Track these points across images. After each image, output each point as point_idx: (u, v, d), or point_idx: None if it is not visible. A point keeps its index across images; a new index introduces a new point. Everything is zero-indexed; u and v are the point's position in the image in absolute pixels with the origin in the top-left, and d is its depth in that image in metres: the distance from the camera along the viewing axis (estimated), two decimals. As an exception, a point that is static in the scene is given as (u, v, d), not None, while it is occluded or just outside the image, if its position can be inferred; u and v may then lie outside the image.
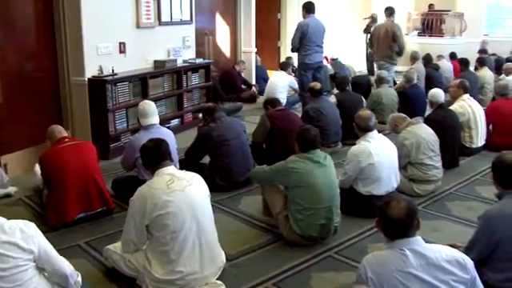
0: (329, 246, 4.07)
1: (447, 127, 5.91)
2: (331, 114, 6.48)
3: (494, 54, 12.77)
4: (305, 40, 7.60)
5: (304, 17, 7.79)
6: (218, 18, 9.81)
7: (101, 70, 6.22)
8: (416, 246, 2.45)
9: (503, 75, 9.36)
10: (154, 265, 3.27)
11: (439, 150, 5.32)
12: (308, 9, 7.77)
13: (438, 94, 6.31)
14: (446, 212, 4.84)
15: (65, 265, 2.83)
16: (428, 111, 7.03)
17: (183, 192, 3.28)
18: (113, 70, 6.30)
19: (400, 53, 8.76)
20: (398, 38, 8.57)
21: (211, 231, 3.45)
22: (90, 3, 6.01)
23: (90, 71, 6.14)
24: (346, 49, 13.63)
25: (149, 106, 4.92)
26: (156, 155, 3.44)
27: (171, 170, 3.41)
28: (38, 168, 4.74)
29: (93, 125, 6.17)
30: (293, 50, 7.97)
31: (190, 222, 3.26)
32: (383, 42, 8.63)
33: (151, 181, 3.37)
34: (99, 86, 6.08)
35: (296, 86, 8.91)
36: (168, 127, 6.33)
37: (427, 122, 5.69)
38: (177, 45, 7.73)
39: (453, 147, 6.00)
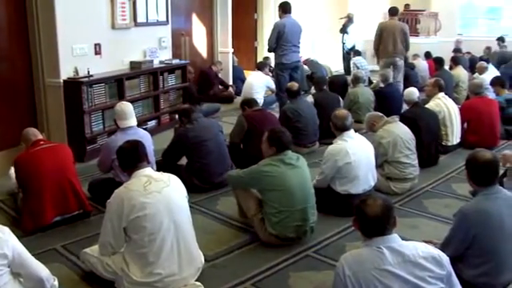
0: (307, 246, 4.08)
1: (422, 124, 5.97)
2: (309, 114, 6.50)
3: (468, 53, 12.96)
4: (281, 40, 7.62)
5: (280, 17, 7.80)
6: (195, 19, 9.78)
7: (76, 71, 6.14)
8: (393, 243, 2.48)
9: (476, 74, 9.50)
10: (132, 267, 3.24)
11: (415, 148, 5.38)
12: (284, 9, 7.78)
13: (411, 92, 6.40)
14: (422, 209, 4.88)
15: (40, 269, 2.80)
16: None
17: (160, 193, 3.26)
18: (88, 72, 6.23)
19: (407, 48, 9.07)
20: (407, 34, 8.91)
21: (189, 232, 3.44)
22: (64, 4, 5.93)
23: (65, 73, 6.07)
24: (322, 49, 13.71)
25: (126, 107, 4.87)
26: (132, 157, 3.41)
27: (148, 172, 3.38)
28: (12, 171, 4.66)
29: (68, 127, 6.10)
30: (269, 50, 7.98)
31: (168, 223, 3.25)
32: (399, 39, 8.78)
33: (128, 182, 3.34)
34: (75, 87, 6.01)
35: (273, 86, 8.92)
36: (145, 128, 6.29)
37: (402, 118, 5.75)
38: (153, 46, 7.68)
39: (429, 145, 6.05)
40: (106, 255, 3.39)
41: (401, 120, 5.56)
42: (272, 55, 8.54)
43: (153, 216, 3.18)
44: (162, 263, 3.23)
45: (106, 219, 3.31)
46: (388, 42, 8.87)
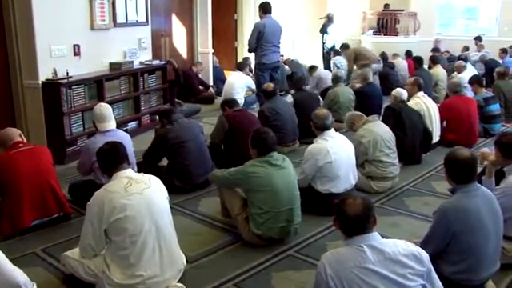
0: (289, 246, 4.09)
1: (405, 115, 6.07)
2: (287, 113, 6.52)
3: (447, 52, 13.12)
4: (262, 40, 7.63)
5: (261, 17, 7.81)
6: (175, 19, 9.75)
7: (55, 72, 6.09)
8: (373, 241, 2.49)
9: (455, 73, 9.61)
10: (113, 270, 3.21)
11: (398, 143, 5.44)
12: (265, 9, 7.79)
13: (402, 92, 6.45)
14: (403, 208, 4.92)
15: (17, 274, 2.75)
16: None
17: (141, 195, 3.24)
18: (67, 73, 6.18)
19: None
20: None
21: (170, 234, 3.42)
22: (42, 4, 5.87)
23: (44, 74, 6.01)
24: (302, 48, 13.76)
25: (105, 110, 4.80)
26: (113, 158, 3.39)
27: (129, 173, 3.36)
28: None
29: (48, 129, 6.04)
30: (250, 51, 7.98)
31: (149, 225, 3.23)
32: None
33: (108, 184, 3.32)
34: (53, 89, 5.95)
35: (253, 86, 8.94)
36: (125, 130, 6.25)
37: (387, 109, 5.94)
38: (133, 46, 7.64)
39: (413, 139, 6.10)
40: (86, 258, 3.36)
41: (386, 111, 5.63)
42: (252, 55, 8.54)
43: (134, 217, 3.16)
44: (143, 265, 3.21)
45: (86, 221, 3.28)
46: None
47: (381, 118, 6.46)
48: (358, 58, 10.27)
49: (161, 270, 3.29)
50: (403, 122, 5.98)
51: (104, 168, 3.49)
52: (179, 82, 8.54)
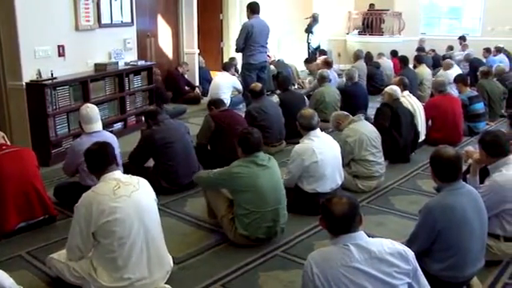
0: (276, 245, 4.09)
1: (401, 113, 6.12)
2: (273, 113, 6.53)
3: (433, 50, 13.23)
4: (250, 40, 7.62)
5: (249, 17, 7.79)
6: (160, 20, 9.71)
7: (39, 73, 6.04)
8: (359, 240, 2.50)
9: (441, 70, 9.70)
10: (100, 272, 3.19)
11: (391, 142, 5.47)
12: (253, 9, 7.78)
13: (397, 89, 6.44)
14: (389, 206, 4.95)
15: (3, 277, 2.73)
16: (373, 109, 7.15)
17: (130, 197, 3.21)
18: (52, 74, 6.14)
19: None
20: None
21: (159, 236, 3.40)
22: (25, 5, 5.83)
23: (28, 75, 5.96)
24: (287, 48, 13.77)
25: (92, 111, 4.76)
26: (101, 160, 3.36)
27: (117, 175, 3.33)
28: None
29: (32, 131, 5.99)
30: (237, 51, 7.97)
31: (138, 227, 3.21)
32: None
33: (96, 186, 3.29)
34: (38, 90, 5.91)
35: (239, 86, 8.94)
36: (111, 131, 6.21)
37: (383, 105, 6.07)
38: (118, 47, 7.60)
39: (406, 136, 6.16)
40: (73, 260, 3.33)
41: (382, 107, 5.66)
42: (238, 55, 8.53)
43: (122, 220, 3.14)
44: (131, 268, 3.20)
45: (73, 224, 3.25)
46: None
47: (373, 115, 6.49)
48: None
49: (149, 273, 3.27)
50: (400, 121, 6.01)
51: (92, 169, 3.45)
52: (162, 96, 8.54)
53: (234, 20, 12.16)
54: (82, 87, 6.59)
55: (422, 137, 6.77)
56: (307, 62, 11.70)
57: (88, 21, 6.90)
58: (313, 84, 9.51)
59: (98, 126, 4.77)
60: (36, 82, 5.98)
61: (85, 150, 3.51)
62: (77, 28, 6.71)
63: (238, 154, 4.10)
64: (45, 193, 4.41)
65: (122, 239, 3.15)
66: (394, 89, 6.42)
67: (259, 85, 6.84)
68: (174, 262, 3.58)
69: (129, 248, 3.18)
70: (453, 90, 8.07)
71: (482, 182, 3.83)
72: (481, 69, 8.78)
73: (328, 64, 9.58)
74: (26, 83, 5.94)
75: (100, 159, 3.36)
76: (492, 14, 14.50)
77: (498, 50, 12.23)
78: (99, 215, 3.11)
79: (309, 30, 13.46)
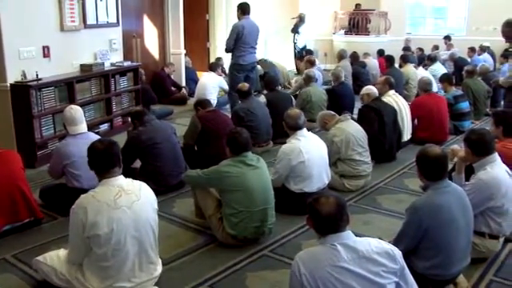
0: (263, 245, 4.09)
1: (386, 113, 6.14)
2: (261, 114, 6.53)
3: (420, 49, 13.32)
4: (240, 41, 7.61)
5: (239, 18, 7.76)
6: (146, 20, 9.67)
7: (24, 74, 5.98)
8: (347, 240, 2.50)
9: (421, 68, 9.81)
10: (89, 277, 3.15)
11: (376, 144, 5.48)
12: (244, 10, 7.75)
13: (373, 88, 6.50)
14: (376, 206, 4.97)
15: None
16: (357, 107, 7.18)
17: (130, 209, 3.12)
18: (37, 75, 6.09)
19: None
20: None
21: (153, 247, 3.34)
22: (9, 6, 5.78)
23: (13, 76, 5.91)
24: (274, 48, 13.79)
25: (76, 113, 4.69)
26: (105, 160, 3.20)
27: (120, 181, 3.20)
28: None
29: (17, 132, 5.94)
30: (227, 51, 7.94)
31: (133, 238, 3.15)
32: None
33: (97, 191, 3.15)
34: (22, 91, 5.86)
35: (226, 86, 8.93)
36: (97, 132, 6.18)
37: (368, 108, 6.04)
38: (104, 48, 7.56)
39: (391, 136, 6.20)
40: (76, 263, 3.24)
41: (367, 112, 5.66)
42: (225, 55, 8.51)
43: (119, 232, 3.07)
44: (122, 277, 3.16)
45: (71, 227, 3.15)
46: None
47: (356, 117, 6.50)
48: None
49: (139, 279, 3.24)
50: (384, 121, 6.04)
51: (94, 168, 3.27)
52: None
53: (221, 20, 12.15)
54: (67, 88, 6.54)
55: (408, 136, 6.81)
56: (299, 59, 11.75)
57: (73, 21, 6.86)
58: (298, 83, 9.56)
59: (83, 127, 4.73)
60: (21, 83, 5.92)
61: (89, 146, 3.32)
62: (62, 28, 6.67)
63: (226, 154, 4.10)
64: (30, 195, 4.36)
65: (116, 250, 3.09)
66: (370, 88, 6.46)
67: (246, 85, 6.83)
68: (161, 264, 3.57)
69: (122, 258, 3.13)
70: (436, 86, 8.14)
71: (467, 180, 3.86)
72: (466, 68, 8.85)
73: (311, 63, 9.65)
74: (11, 84, 5.89)
75: (105, 160, 3.20)
76: (477, 13, 14.64)
77: (483, 50, 12.34)
78: (95, 223, 3.02)
79: (295, 30, 13.49)
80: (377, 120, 6.02)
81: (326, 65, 14.07)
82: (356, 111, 7.83)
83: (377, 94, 6.36)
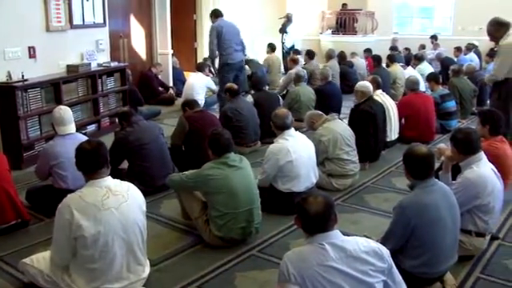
0: (251, 245, 4.09)
1: (379, 116, 6.16)
2: (249, 114, 6.52)
3: (407, 49, 13.39)
4: (222, 41, 7.61)
5: (214, 22, 7.83)
6: (133, 20, 9.63)
7: (9, 75, 5.93)
8: (335, 239, 2.51)
9: (410, 68, 9.84)
10: (75, 278, 3.13)
11: (364, 144, 5.49)
12: (216, 14, 7.90)
13: (368, 85, 6.36)
14: (364, 204, 4.98)
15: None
16: (347, 108, 7.18)
17: (118, 210, 3.10)
18: (23, 76, 6.04)
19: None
20: None
21: (141, 249, 3.32)
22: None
23: (-2, 77, 5.88)
24: (262, 48, 13.78)
25: (65, 113, 4.67)
26: (93, 161, 3.17)
27: (108, 182, 3.18)
28: None
29: (3, 134, 5.89)
30: (212, 56, 7.95)
31: (121, 240, 3.13)
32: None
33: (84, 192, 3.13)
34: (8, 92, 5.81)
35: (213, 86, 8.93)
36: (84, 133, 6.15)
37: (363, 113, 6.00)
38: (90, 48, 7.52)
39: (380, 138, 6.24)
40: (59, 265, 3.21)
41: (357, 111, 5.74)
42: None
43: (107, 233, 3.05)
44: (110, 278, 3.14)
45: (56, 228, 3.13)
46: None
47: (343, 116, 6.52)
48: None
49: (128, 281, 3.23)
50: (377, 125, 6.06)
51: (81, 169, 3.25)
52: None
53: (208, 20, 12.05)
54: (54, 89, 6.50)
55: (396, 135, 6.83)
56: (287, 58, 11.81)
57: (59, 22, 6.82)
58: (284, 82, 9.58)
59: (72, 128, 4.70)
60: (6, 83, 5.87)
61: (77, 147, 3.29)
62: (48, 29, 6.62)
63: (209, 155, 4.09)
64: (17, 197, 4.33)
65: (103, 252, 3.07)
66: (366, 85, 6.30)
67: (234, 85, 6.85)
68: (150, 265, 3.55)
69: (110, 260, 3.11)
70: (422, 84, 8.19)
71: (454, 178, 3.88)
72: (452, 67, 8.90)
73: (294, 61, 9.74)
74: (-4, 85, 5.84)
75: (91, 160, 3.18)
76: (463, 13, 14.73)
77: (469, 49, 12.42)
78: (82, 224, 2.99)
79: (283, 30, 13.50)
80: (370, 122, 6.01)
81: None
82: (344, 111, 7.89)
83: (371, 93, 6.31)
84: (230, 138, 4.07)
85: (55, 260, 3.24)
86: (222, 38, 7.60)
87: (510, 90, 5.59)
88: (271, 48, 11.51)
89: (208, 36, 7.94)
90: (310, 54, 10.33)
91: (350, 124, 5.72)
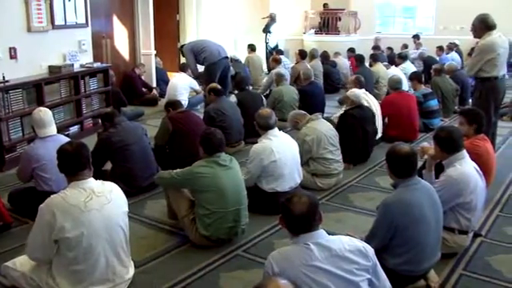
0: (236, 245, 4.09)
1: (369, 123, 6.22)
2: (232, 114, 6.52)
3: (390, 48, 13.47)
4: (197, 48, 7.71)
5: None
6: (116, 21, 9.57)
7: (-10, 77, 5.89)
8: (320, 239, 2.51)
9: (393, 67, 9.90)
10: (60, 281, 3.10)
11: (352, 147, 5.52)
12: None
13: (360, 96, 6.33)
14: (348, 203, 5.01)
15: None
16: (330, 107, 7.21)
17: (100, 212, 3.09)
18: (4, 77, 5.99)
19: None
20: None
21: (125, 250, 3.32)
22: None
23: (-22, 79, 5.81)
24: (244, 48, 13.78)
25: (45, 114, 4.61)
26: (74, 162, 3.15)
27: (90, 184, 3.16)
28: None
29: (-16, 136, 5.83)
30: (196, 74, 7.99)
31: (104, 241, 3.12)
32: None
33: (67, 193, 3.10)
34: (-11, 94, 5.75)
35: (197, 87, 8.91)
36: (67, 134, 6.10)
37: (349, 117, 6.02)
38: (73, 49, 7.47)
39: (370, 142, 6.29)
40: (37, 261, 3.19)
41: (347, 120, 5.83)
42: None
43: (89, 235, 3.03)
44: (94, 280, 3.13)
45: (36, 226, 3.09)
46: None
47: (330, 114, 6.52)
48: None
49: (113, 284, 3.22)
50: (367, 131, 6.09)
51: (64, 171, 3.23)
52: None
53: (191, 20, 12.09)
54: (36, 90, 6.45)
55: (379, 134, 6.87)
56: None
57: (41, 22, 6.76)
58: (266, 81, 9.60)
59: (53, 129, 4.64)
60: (-13, 85, 5.82)
61: (59, 148, 3.27)
62: (29, 29, 6.57)
63: (199, 154, 4.09)
64: (-1, 199, 4.29)
65: (87, 254, 3.06)
66: (357, 95, 6.24)
67: (218, 85, 6.86)
68: (134, 266, 3.54)
69: (94, 261, 3.10)
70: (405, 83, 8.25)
71: (437, 177, 3.91)
72: (434, 66, 8.98)
73: (276, 61, 9.79)
74: (-24, 87, 5.77)
75: (73, 162, 3.16)
76: (444, 13, 14.88)
77: (450, 48, 12.54)
78: (64, 226, 2.97)
79: (267, 30, 13.51)
80: (359, 127, 6.02)
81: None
82: (327, 110, 7.93)
83: (361, 103, 6.29)
84: (222, 138, 4.08)
85: (32, 254, 3.20)
86: (196, 48, 7.68)
87: (491, 88, 5.63)
88: (251, 48, 11.59)
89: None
90: (302, 54, 10.31)
91: (340, 129, 5.71)
